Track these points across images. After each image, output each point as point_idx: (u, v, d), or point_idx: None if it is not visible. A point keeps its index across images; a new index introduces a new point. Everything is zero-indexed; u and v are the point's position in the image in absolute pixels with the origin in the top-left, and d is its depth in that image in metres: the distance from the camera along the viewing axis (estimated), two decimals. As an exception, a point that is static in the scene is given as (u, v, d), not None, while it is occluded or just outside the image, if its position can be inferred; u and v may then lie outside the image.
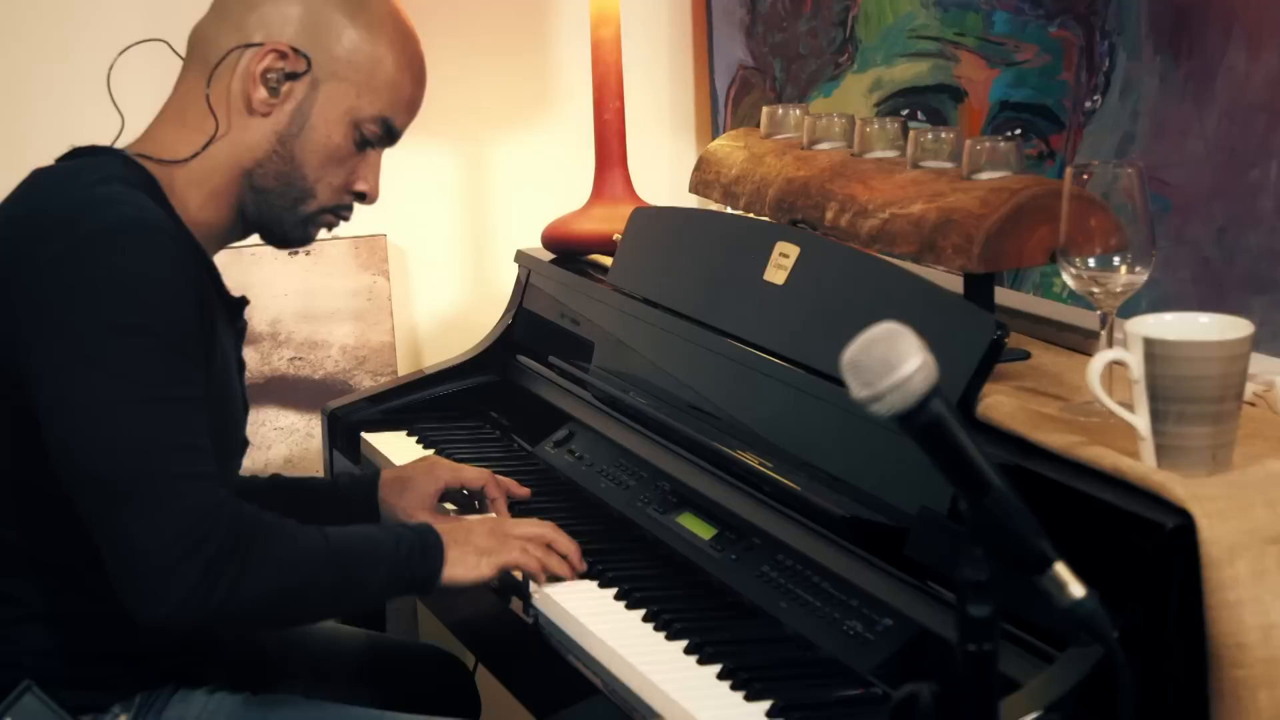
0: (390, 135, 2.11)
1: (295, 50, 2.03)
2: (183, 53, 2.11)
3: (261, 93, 2.03)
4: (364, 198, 2.12)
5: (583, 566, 2.15)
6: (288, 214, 2.08)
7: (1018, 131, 3.09)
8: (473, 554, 2.08)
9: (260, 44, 2.03)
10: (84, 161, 2.03)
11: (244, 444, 2.18)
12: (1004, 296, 2.37)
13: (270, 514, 1.95)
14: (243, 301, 2.16)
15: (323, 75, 2.04)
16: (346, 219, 2.15)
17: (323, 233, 2.16)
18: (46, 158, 2.08)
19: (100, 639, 2.00)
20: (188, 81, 2.08)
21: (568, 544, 2.15)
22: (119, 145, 2.08)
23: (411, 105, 2.14)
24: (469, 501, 2.40)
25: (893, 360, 1.25)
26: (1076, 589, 1.29)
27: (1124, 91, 2.50)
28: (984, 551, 1.28)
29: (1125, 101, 2.51)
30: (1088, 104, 2.65)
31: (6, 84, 3.04)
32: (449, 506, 2.40)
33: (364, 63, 2.06)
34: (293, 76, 2.03)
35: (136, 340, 1.85)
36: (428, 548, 2.05)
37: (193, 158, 2.04)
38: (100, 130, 2.11)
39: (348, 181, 2.10)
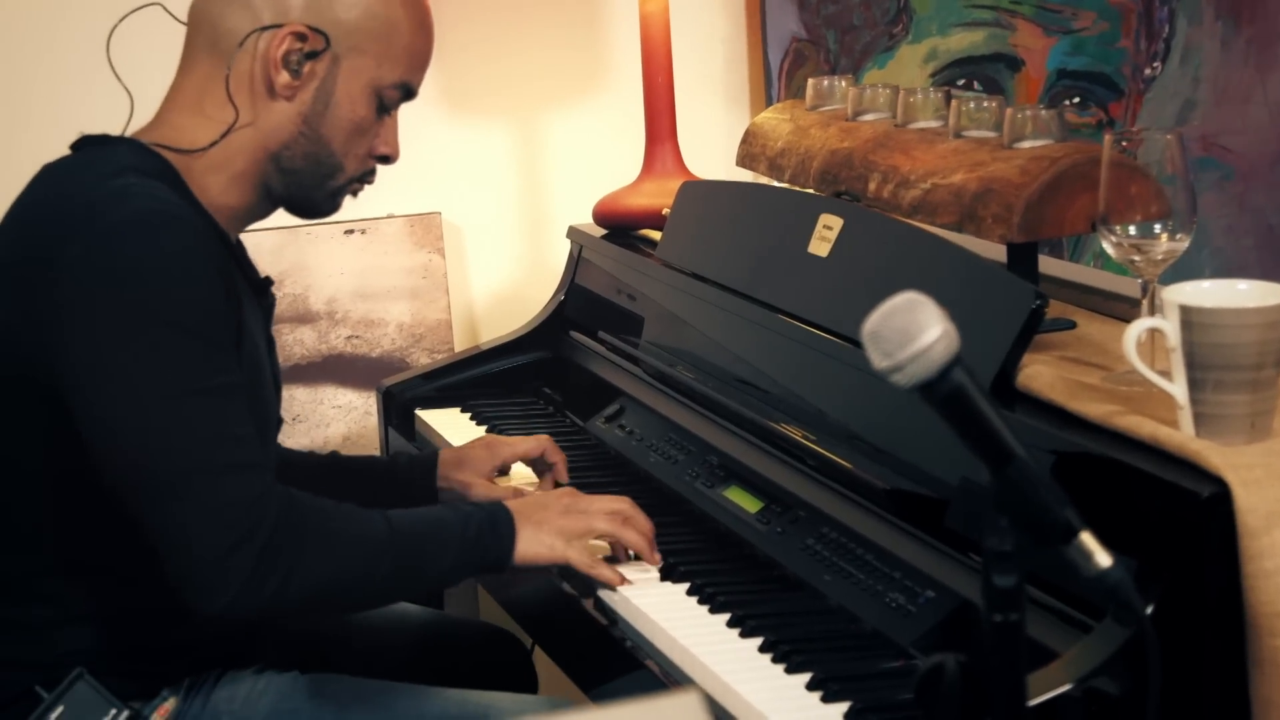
0: (408, 95, 2.10)
1: (313, 29, 1.99)
2: (180, 16, 2.07)
3: (284, 76, 2.00)
4: (387, 159, 2.11)
5: (656, 559, 2.10)
6: (317, 190, 2.07)
7: (1075, 100, 3.06)
8: (549, 533, 2.04)
9: (275, 25, 1.99)
10: (95, 152, 2.00)
11: (279, 422, 2.18)
12: (1051, 266, 2.35)
13: (326, 500, 1.95)
14: (268, 281, 2.15)
15: (342, 50, 2.01)
16: (370, 182, 2.13)
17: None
18: (53, 146, 2.05)
19: (143, 634, 2.01)
20: (200, 66, 2.03)
21: (644, 521, 2.11)
22: (131, 127, 2.06)
23: (426, 61, 2.12)
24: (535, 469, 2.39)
25: (912, 330, 1.24)
26: (1103, 558, 1.28)
27: (1184, 57, 2.47)
28: (1009, 521, 1.27)
29: (1186, 68, 2.48)
30: (1147, 71, 2.62)
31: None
32: (528, 481, 2.40)
33: (380, 30, 2.03)
34: (313, 56, 2.00)
35: (168, 334, 1.84)
36: (499, 526, 2.02)
37: (212, 146, 2.01)
38: (106, 109, 2.08)
39: (371, 148, 2.08)
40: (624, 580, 2.06)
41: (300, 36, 1.99)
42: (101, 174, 1.93)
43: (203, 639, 2.04)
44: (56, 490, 1.96)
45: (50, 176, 2.01)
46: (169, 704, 2.00)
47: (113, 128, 2.05)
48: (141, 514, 1.86)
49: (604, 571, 2.06)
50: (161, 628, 2.00)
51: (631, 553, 2.12)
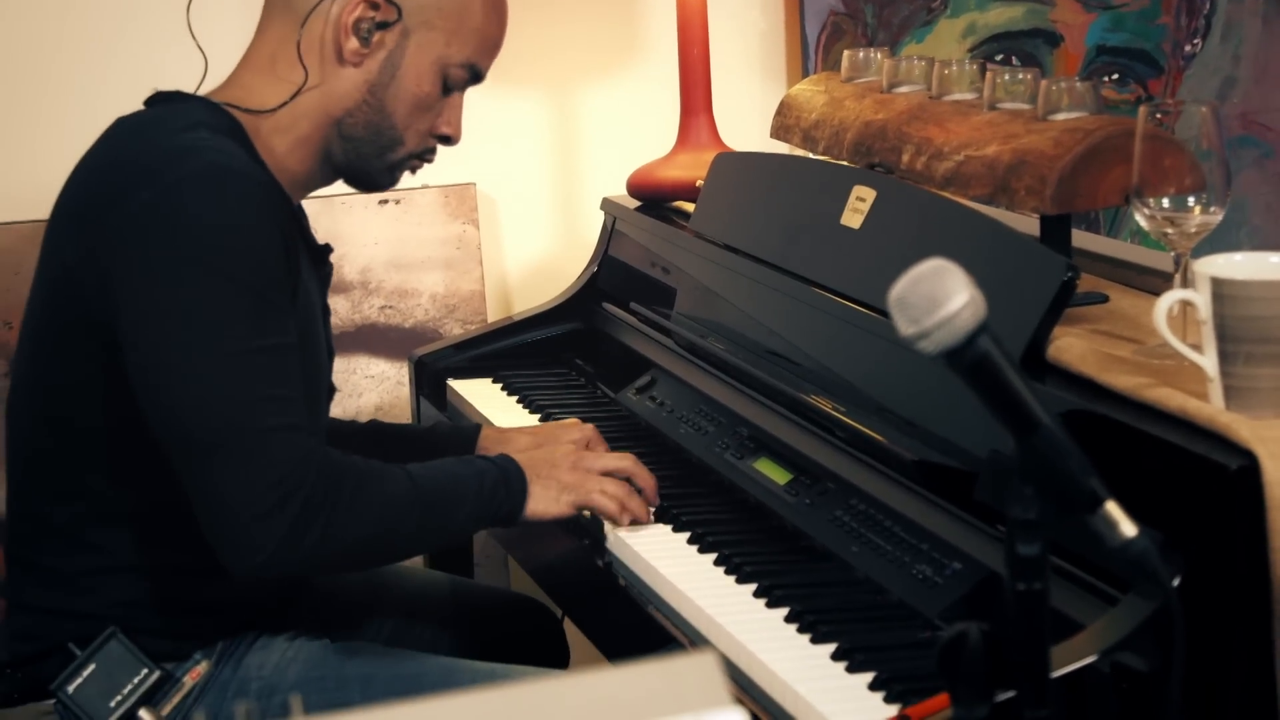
0: (475, 78, 2.11)
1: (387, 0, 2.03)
2: None
3: (353, 43, 2.02)
4: (448, 140, 2.13)
5: (657, 501, 2.16)
6: (375, 161, 2.09)
7: (1115, 77, 3.05)
8: (555, 489, 2.08)
9: None
10: (167, 108, 2.03)
11: (331, 389, 2.20)
12: (1084, 240, 2.34)
13: (356, 457, 1.97)
14: (327, 249, 2.17)
15: (413, 24, 2.04)
16: (431, 161, 2.15)
17: (407, 176, 2.16)
18: (129, 102, 2.09)
19: (184, 589, 2.03)
20: (275, 29, 2.07)
21: (647, 478, 2.16)
22: (204, 87, 2.09)
23: (497, 46, 2.14)
24: None
25: (939, 297, 1.23)
26: (1128, 528, 1.27)
27: (1225, 34, 2.46)
28: (1033, 490, 1.26)
29: (1226, 45, 2.46)
30: (1187, 48, 2.61)
31: (97, 32, 3.07)
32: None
33: (453, 9, 2.05)
34: (383, 26, 2.03)
35: (225, 289, 1.86)
36: (510, 481, 2.06)
37: (281, 107, 2.04)
38: (181, 73, 2.11)
39: (433, 126, 2.10)
40: (625, 519, 2.12)
41: (373, 5, 2.02)
42: (172, 128, 1.96)
43: (237, 599, 2.05)
44: (108, 439, 1.98)
45: (122, 129, 2.04)
46: (201, 667, 2.02)
47: (187, 87, 2.08)
48: (184, 468, 1.88)
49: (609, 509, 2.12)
50: (198, 584, 2.02)
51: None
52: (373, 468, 1.97)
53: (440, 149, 2.15)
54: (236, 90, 2.07)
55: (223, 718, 2.01)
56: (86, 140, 2.07)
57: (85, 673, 1.95)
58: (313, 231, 2.18)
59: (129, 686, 1.96)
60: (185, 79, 2.11)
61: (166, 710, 1.98)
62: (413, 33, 2.04)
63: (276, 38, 2.06)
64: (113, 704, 1.95)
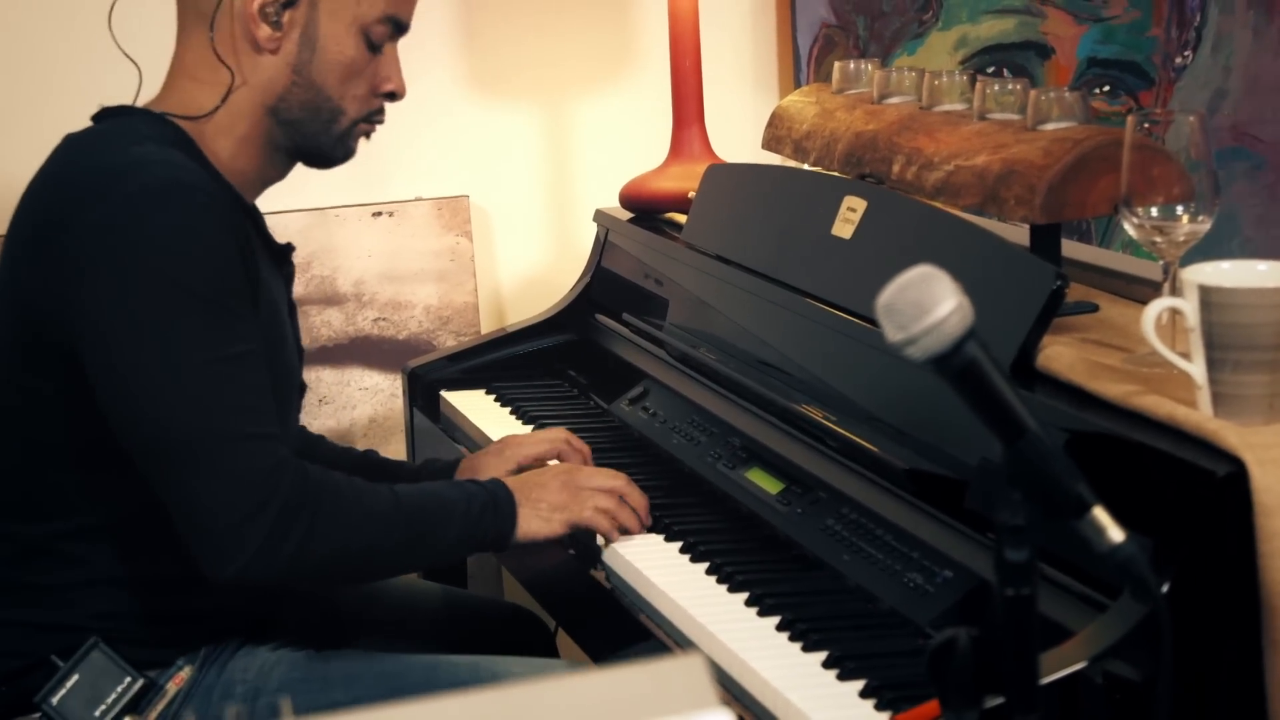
0: (399, 29, 2.09)
1: None
2: None
3: (264, 29, 2.02)
4: (393, 96, 2.11)
5: (649, 521, 2.16)
6: (323, 137, 2.08)
7: (1106, 88, 3.06)
8: (546, 509, 2.08)
9: None
10: (115, 123, 2.04)
11: (302, 387, 2.20)
12: (1074, 250, 2.35)
13: (338, 473, 1.97)
14: (289, 248, 2.17)
15: None
16: (381, 122, 2.13)
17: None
18: (70, 119, 2.08)
19: (165, 599, 2.03)
20: (190, 35, 2.06)
21: (639, 496, 2.16)
22: (141, 96, 2.09)
23: None
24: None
25: (926, 303, 1.24)
26: (1115, 534, 1.28)
27: (1216, 47, 2.47)
28: (1021, 495, 1.27)
29: (1217, 57, 2.47)
30: (1178, 59, 2.62)
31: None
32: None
33: None
34: (289, 4, 2.02)
35: (185, 302, 1.86)
36: (499, 505, 2.06)
37: (215, 110, 2.03)
38: (121, 84, 2.10)
39: (372, 86, 2.09)
40: (616, 536, 2.13)
41: None
42: (121, 143, 1.96)
43: (220, 608, 2.06)
44: (79, 455, 1.98)
45: (72, 146, 2.04)
46: (184, 673, 2.02)
47: (127, 98, 2.08)
48: (158, 480, 1.89)
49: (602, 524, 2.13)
50: (180, 594, 2.02)
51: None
52: (354, 482, 1.98)
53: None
54: (172, 100, 2.06)
55: None
56: (28, 157, 2.06)
57: (69, 684, 1.95)
58: (273, 233, 2.17)
59: (113, 696, 1.96)
60: (125, 91, 2.10)
61: (151, 717, 1.98)
62: (320, 2, 2.03)
63: (194, 42, 2.06)
64: (97, 713, 1.95)
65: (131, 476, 1.92)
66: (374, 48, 2.07)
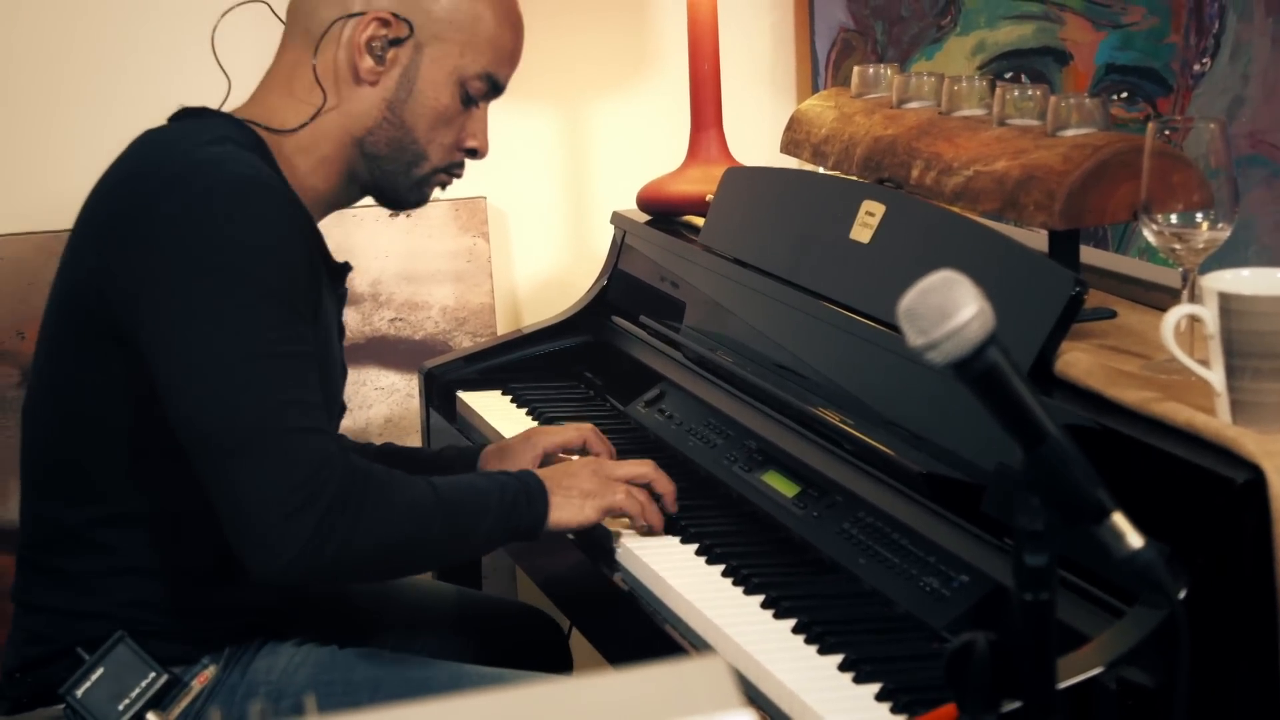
0: (495, 89, 2.13)
1: (396, 16, 2.04)
2: (283, 15, 2.14)
3: (368, 62, 2.05)
4: (475, 154, 2.15)
5: (675, 508, 2.18)
6: (402, 178, 2.11)
7: (1124, 95, 3.06)
8: (577, 497, 2.09)
9: (362, 13, 2.04)
10: (195, 123, 2.06)
11: (342, 408, 2.21)
12: (1093, 256, 2.35)
13: (379, 466, 1.98)
14: (346, 267, 2.18)
15: (425, 38, 2.06)
16: (459, 176, 2.17)
17: (436, 192, 2.18)
18: (152, 120, 2.10)
19: (193, 593, 2.04)
20: (292, 52, 2.10)
21: (667, 483, 2.17)
22: (226, 107, 2.11)
23: (513, 57, 2.15)
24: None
25: (948, 308, 1.24)
26: (1134, 539, 1.28)
27: (1234, 54, 2.47)
28: (1040, 501, 1.27)
29: (1235, 64, 2.47)
30: (1196, 67, 2.62)
31: (113, 46, 3.09)
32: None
33: (464, 21, 2.07)
34: (396, 43, 2.05)
35: (250, 295, 1.87)
36: (531, 494, 2.06)
37: (301, 128, 2.06)
38: (204, 93, 2.13)
39: (458, 140, 2.12)
40: (650, 523, 2.14)
41: (384, 23, 2.05)
42: (199, 141, 1.98)
43: (247, 604, 2.07)
44: (127, 442, 2.00)
45: (149, 142, 2.06)
46: (208, 672, 2.03)
47: (200, 103, 2.10)
48: (208, 471, 1.89)
49: (633, 509, 2.14)
50: (208, 588, 2.03)
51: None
52: (395, 475, 1.98)
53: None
54: (258, 109, 2.09)
55: None
56: (99, 153, 2.08)
57: (93, 676, 1.96)
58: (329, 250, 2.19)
59: (137, 690, 1.97)
60: (200, 96, 2.12)
61: (174, 714, 1.99)
62: (426, 46, 2.06)
63: (293, 60, 2.09)
64: (121, 707, 1.96)
65: (177, 467, 1.92)
66: (468, 101, 2.11)
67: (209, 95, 2.12)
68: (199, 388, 1.88)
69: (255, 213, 1.90)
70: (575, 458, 2.22)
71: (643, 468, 2.17)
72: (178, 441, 1.91)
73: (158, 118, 2.11)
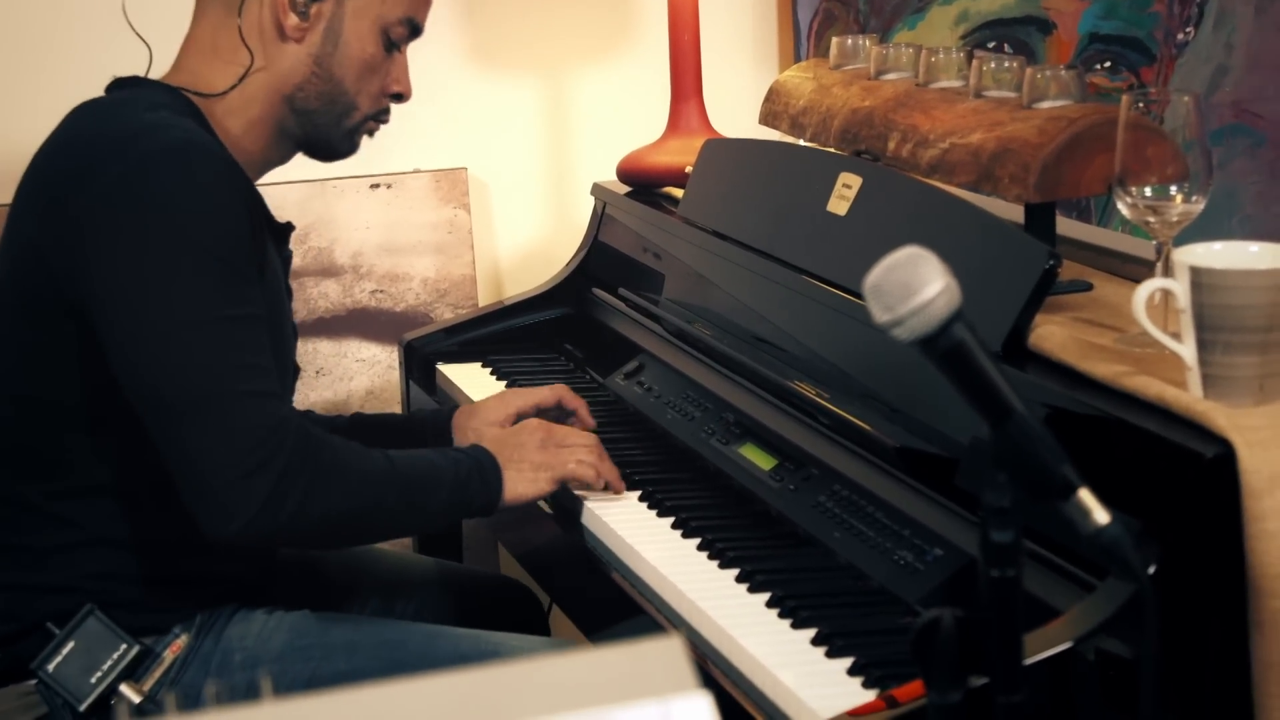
0: (415, 32, 2.16)
1: None
2: None
3: (292, 19, 2.07)
4: (400, 98, 2.17)
5: (621, 488, 2.19)
6: (334, 130, 2.13)
7: (1107, 64, 3.05)
8: (529, 469, 2.11)
9: None
10: (129, 92, 2.07)
11: (295, 370, 2.22)
12: (1070, 228, 2.34)
13: (336, 437, 1.99)
14: (289, 227, 2.19)
15: None
16: (386, 122, 2.19)
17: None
18: (87, 92, 2.10)
19: (160, 562, 2.04)
20: (212, 14, 2.10)
21: (610, 468, 2.18)
22: (150, 74, 2.12)
23: None
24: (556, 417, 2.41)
25: (913, 284, 1.24)
26: (1101, 516, 1.28)
27: (1218, 23, 2.45)
28: (1007, 477, 1.27)
29: (1219, 33, 2.46)
30: (1180, 36, 2.61)
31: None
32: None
33: None
34: None
35: (195, 259, 1.88)
36: (485, 471, 2.07)
37: (230, 90, 2.08)
38: (133, 63, 2.13)
39: (384, 86, 2.14)
40: (601, 485, 2.17)
41: None
42: (135, 109, 1.99)
43: (215, 573, 2.07)
44: (82, 413, 2.00)
45: (84, 112, 2.06)
46: (180, 640, 2.03)
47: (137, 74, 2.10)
48: (161, 437, 1.90)
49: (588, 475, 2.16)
50: (175, 557, 2.04)
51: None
52: (350, 445, 2.00)
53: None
54: (185, 76, 2.10)
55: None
56: (37, 128, 2.08)
57: (64, 650, 1.96)
58: (273, 212, 2.19)
59: (109, 662, 1.97)
60: (129, 66, 2.13)
61: (148, 685, 1.99)
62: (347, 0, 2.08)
63: (215, 22, 2.10)
64: (93, 680, 1.96)
65: (133, 436, 1.93)
66: (391, 48, 2.13)
67: (138, 65, 2.13)
68: (148, 353, 1.89)
69: (194, 177, 1.91)
70: (519, 428, 2.21)
71: (588, 438, 2.19)
72: (134, 410, 1.91)
73: (92, 90, 2.11)
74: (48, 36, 3.04)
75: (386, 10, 2.10)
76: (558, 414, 2.38)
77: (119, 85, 2.10)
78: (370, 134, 2.18)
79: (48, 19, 3.05)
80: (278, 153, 2.15)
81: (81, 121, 2.05)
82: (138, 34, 2.12)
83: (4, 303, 2.04)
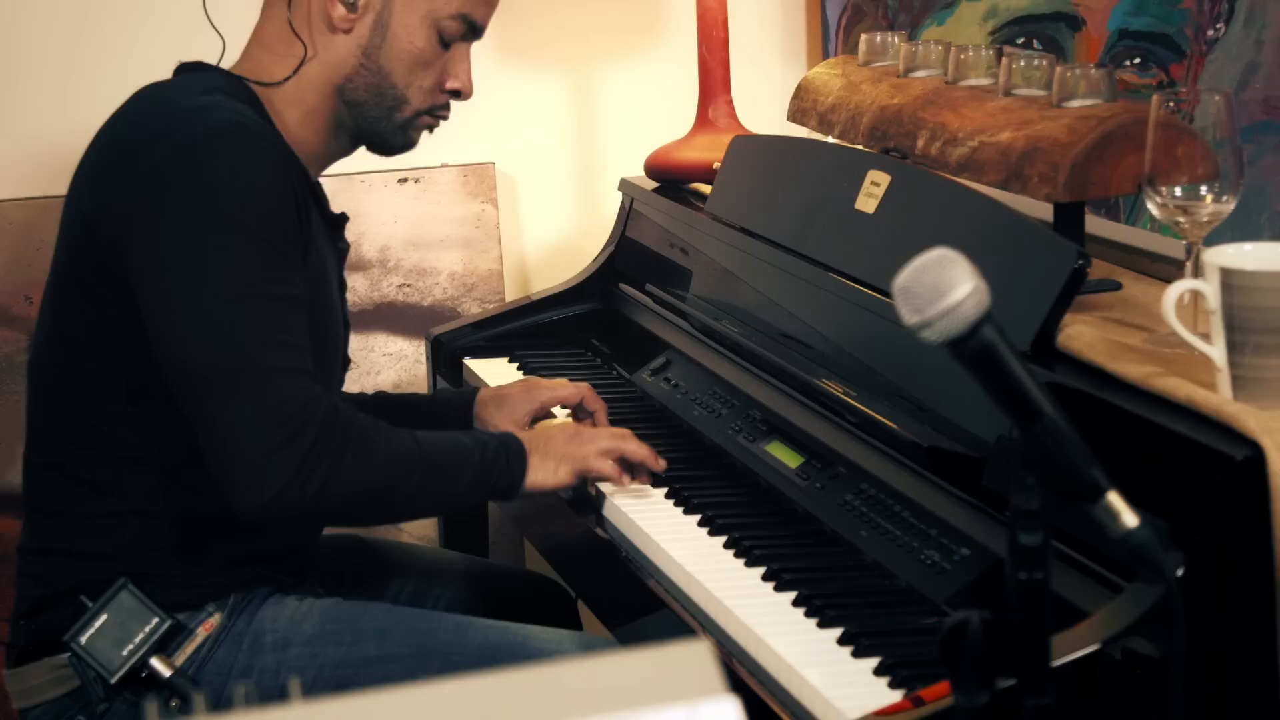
0: (473, 30, 2.15)
1: None
2: None
3: (340, 10, 2.08)
4: (459, 94, 2.17)
5: (660, 465, 2.19)
6: (384, 123, 2.13)
7: (1136, 61, 3.04)
8: (553, 460, 2.12)
9: None
10: (189, 76, 2.11)
11: (346, 361, 2.23)
12: (1099, 227, 2.34)
13: (364, 415, 2.01)
14: (343, 218, 2.20)
15: None
16: (445, 118, 2.19)
17: (427, 153, 2.19)
18: (148, 80, 2.14)
19: (196, 538, 2.06)
20: (273, 6, 2.13)
21: (638, 448, 2.19)
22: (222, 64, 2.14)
23: None
24: (575, 416, 2.42)
25: (942, 286, 1.24)
26: (1130, 518, 1.27)
27: (1248, 19, 2.44)
28: (1036, 479, 1.27)
29: (1249, 29, 2.45)
30: (1210, 32, 2.59)
31: (117, 10, 3.07)
32: (558, 413, 2.42)
33: None
34: None
35: (236, 236, 1.91)
36: (511, 454, 2.09)
37: (286, 80, 2.10)
38: (199, 53, 2.16)
39: (439, 81, 2.14)
40: (625, 481, 2.18)
41: None
42: (192, 92, 2.03)
43: (252, 554, 2.09)
44: (129, 384, 2.03)
45: (144, 93, 2.11)
46: (214, 619, 2.05)
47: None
48: (193, 408, 1.92)
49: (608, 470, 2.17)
50: (213, 535, 2.06)
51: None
52: (379, 424, 2.01)
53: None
54: (248, 65, 2.13)
55: (237, 669, 2.03)
56: (104, 118, 2.12)
57: (97, 623, 1.98)
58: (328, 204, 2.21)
59: (141, 635, 1.98)
60: (201, 57, 2.16)
61: (180, 660, 2.00)
62: None
63: (274, 14, 2.13)
64: (125, 653, 1.98)
65: (174, 409, 1.96)
66: (445, 43, 2.12)
67: (211, 56, 2.15)
68: (183, 326, 1.91)
69: (239, 157, 1.93)
70: (551, 423, 2.22)
71: (615, 436, 2.19)
72: (167, 380, 1.94)
73: (164, 75, 2.15)
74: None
75: (438, 6, 2.10)
76: (579, 412, 2.39)
77: (184, 70, 2.14)
78: (430, 130, 2.18)
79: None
80: (336, 145, 2.16)
81: (140, 102, 2.08)
82: (214, 26, 2.14)
83: (63, 274, 2.07)
